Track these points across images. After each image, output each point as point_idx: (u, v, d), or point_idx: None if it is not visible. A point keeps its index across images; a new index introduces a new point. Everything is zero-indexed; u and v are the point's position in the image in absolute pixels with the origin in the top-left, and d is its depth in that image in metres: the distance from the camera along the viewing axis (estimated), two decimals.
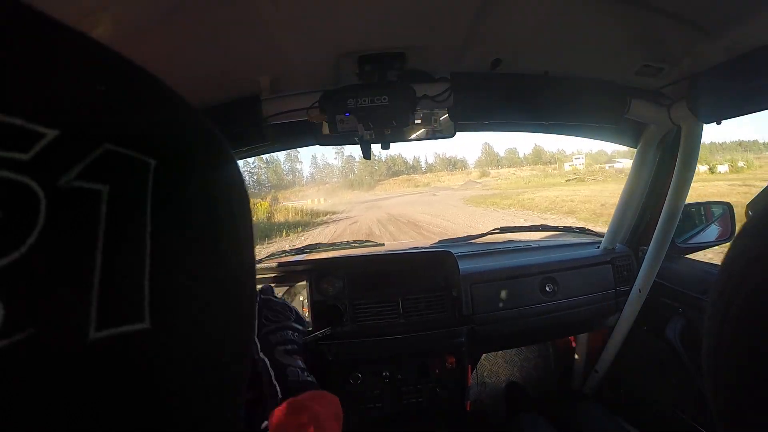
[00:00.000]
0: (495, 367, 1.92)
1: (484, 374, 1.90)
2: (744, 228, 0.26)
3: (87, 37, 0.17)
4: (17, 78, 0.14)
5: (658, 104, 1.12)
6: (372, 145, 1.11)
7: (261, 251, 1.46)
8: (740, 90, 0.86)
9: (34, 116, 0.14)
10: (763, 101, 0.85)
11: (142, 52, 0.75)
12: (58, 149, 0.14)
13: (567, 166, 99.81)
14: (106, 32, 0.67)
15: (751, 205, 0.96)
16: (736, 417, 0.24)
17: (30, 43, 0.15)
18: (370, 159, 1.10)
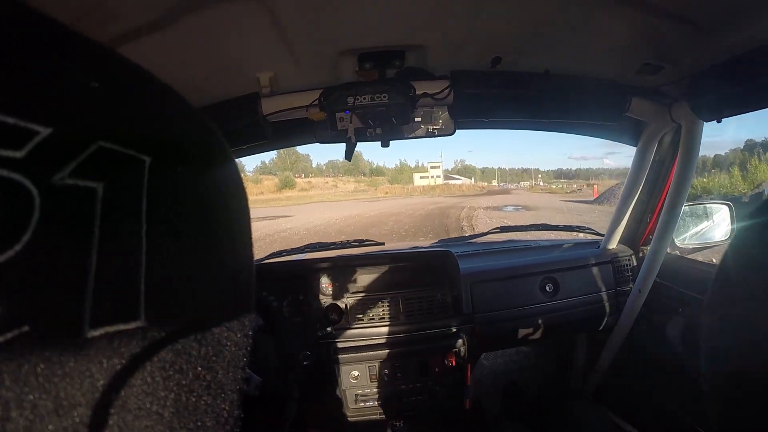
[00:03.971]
0: (495, 366, 1.93)
1: (484, 373, 1.90)
2: (742, 227, 0.26)
3: (80, 34, 0.17)
4: (10, 76, 0.14)
5: (658, 103, 1.12)
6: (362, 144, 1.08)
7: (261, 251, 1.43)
8: (740, 89, 0.86)
9: (27, 114, 0.14)
10: (763, 100, 0.85)
11: (140, 49, 0.75)
12: (51, 147, 0.14)
13: (419, 179, 73.64)
14: (104, 30, 0.67)
15: None
16: (733, 417, 0.24)
17: (24, 40, 0.15)
18: (350, 160, 1.08)
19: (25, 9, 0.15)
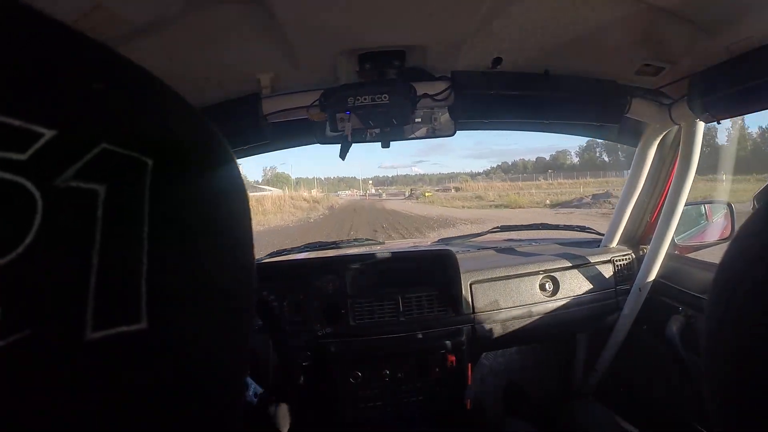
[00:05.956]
0: (495, 366, 1.92)
1: (484, 373, 1.90)
2: (743, 227, 0.26)
3: (83, 35, 0.17)
4: (16, 78, 0.14)
5: (658, 103, 1.12)
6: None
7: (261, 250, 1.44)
8: (741, 89, 0.86)
9: (32, 116, 0.14)
10: (764, 101, 0.85)
11: (141, 50, 0.75)
12: (55, 149, 0.14)
13: None
14: (105, 30, 0.67)
15: (757, 197, 0.96)
16: (733, 417, 0.24)
17: (27, 41, 0.15)
18: (344, 159, 1.09)
19: (27, 9, 0.15)
